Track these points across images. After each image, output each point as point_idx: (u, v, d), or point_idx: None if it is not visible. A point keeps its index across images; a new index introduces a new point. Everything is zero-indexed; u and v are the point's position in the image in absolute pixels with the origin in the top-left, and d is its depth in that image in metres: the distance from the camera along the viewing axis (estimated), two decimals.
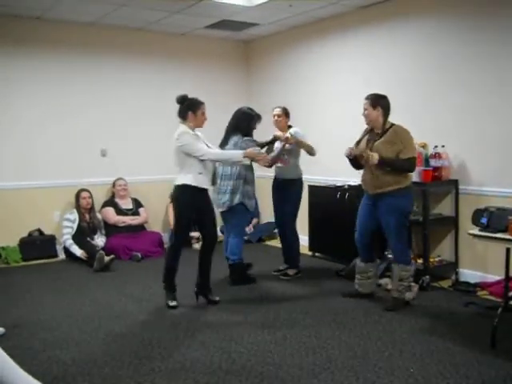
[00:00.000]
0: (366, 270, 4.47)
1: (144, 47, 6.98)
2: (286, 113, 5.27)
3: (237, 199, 4.95)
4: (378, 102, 4.19)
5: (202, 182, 4.28)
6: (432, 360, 3.25)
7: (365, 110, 4.25)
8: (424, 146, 5.05)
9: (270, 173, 5.44)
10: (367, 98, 4.26)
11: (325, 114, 6.50)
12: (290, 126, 5.28)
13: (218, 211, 5.02)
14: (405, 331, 3.73)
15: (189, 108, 4.29)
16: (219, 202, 5.02)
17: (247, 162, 4.51)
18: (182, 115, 4.33)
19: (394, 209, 4.15)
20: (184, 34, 7.20)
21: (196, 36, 7.26)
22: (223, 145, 5.01)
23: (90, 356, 3.38)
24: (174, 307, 4.29)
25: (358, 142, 4.41)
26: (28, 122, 6.27)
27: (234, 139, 4.92)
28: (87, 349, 3.50)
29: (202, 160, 4.22)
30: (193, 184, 4.23)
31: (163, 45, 7.12)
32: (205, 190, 4.34)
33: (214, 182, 4.58)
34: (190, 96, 4.36)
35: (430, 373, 3.07)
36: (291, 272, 5.28)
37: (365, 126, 5.97)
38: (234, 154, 4.43)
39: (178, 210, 4.34)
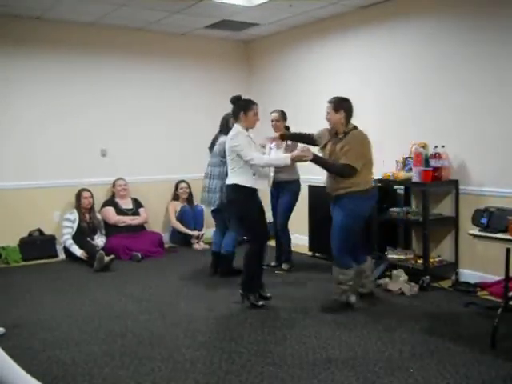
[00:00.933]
0: (361, 270, 4.40)
1: (144, 47, 6.98)
2: (283, 116, 5.41)
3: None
4: (341, 106, 4.21)
5: (255, 183, 4.29)
6: (432, 360, 3.25)
7: (327, 113, 4.25)
8: (424, 146, 5.05)
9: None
10: (330, 102, 4.28)
11: (325, 114, 6.47)
12: (287, 128, 5.34)
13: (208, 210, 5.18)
14: (405, 331, 3.73)
15: (240, 109, 4.33)
16: (210, 200, 5.15)
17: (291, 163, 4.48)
18: (235, 115, 4.39)
19: (344, 209, 4.14)
20: (184, 34, 7.20)
21: (196, 36, 7.26)
22: (211, 148, 5.25)
23: (90, 356, 3.38)
24: (262, 306, 4.30)
25: (325, 146, 4.37)
26: (28, 122, 6.27)
27: (220, 139, 5.06)
28: (87, 349, 3.50)
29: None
30: (247, 185, 4.26)
31: (163, 45, 7.12)
32: (257, 191, 4.38)
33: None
34: (243, 96, 4.44)
35: (430, 373, 3.07)
36: (286, 267, 5.50)
37: (366, 126, 5.99)
38: (281, 159, 4.49)
39: (242, 210, 4.36)
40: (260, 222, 4.39)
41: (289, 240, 5.55)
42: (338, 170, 4.12)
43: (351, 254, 4.28)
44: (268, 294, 4.48)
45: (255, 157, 4.22)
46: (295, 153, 4.34)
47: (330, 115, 4.25)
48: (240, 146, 4.20)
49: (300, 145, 4.68)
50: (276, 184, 5.39)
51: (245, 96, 4.48)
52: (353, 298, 4.23)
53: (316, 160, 4.18)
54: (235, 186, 4.27)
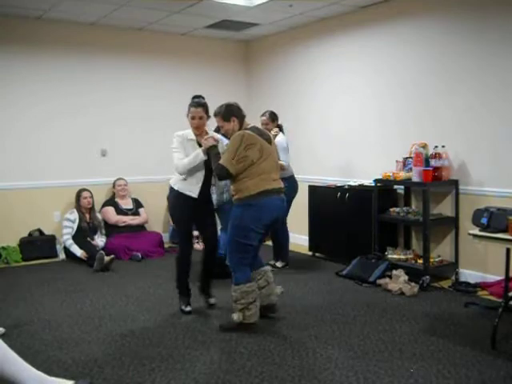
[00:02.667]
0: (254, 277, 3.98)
1: (144, 47, 6.98)
2: (272, 118, 5.40)
3: (224, 198, 5.09)
4: (231, 113, 3.82)
5: (183, 187, 4.10)
6: (432, 360, 3.24)
7: (221, 127, 3.91)
8: (424, 146, 5.04)
9: None
10: (216, 115, 3.89)
11: (325, 114, 6.50)
12: (279, 126, 5.41)
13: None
14: (405, 331, 3.73)
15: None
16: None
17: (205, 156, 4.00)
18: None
19: (231, 218, 3.81)
20: (184, 34, 7.20)
21: (196, 36, 7.27)
22: None
23: (90, 356, 3.38)
24: (188, 312, 4.16)
25: None
26: (28, 122, 6.28)
27: None
28: (87, 349, 3.50)
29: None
30: (174, 187, 4.15)
31: (163, 45, 7.12)
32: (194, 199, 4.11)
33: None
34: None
35: (430, 373, 3.07)
36: (280, 265, 5.50)
37: (366, 126, 6.00)
38: (196, 155, 3.98)
39: (171, 211, 4.33)
40: (184, 227, 4.20)
41: (287, 237, 5.54)
42: (215, 169, 3.83)
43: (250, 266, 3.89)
44: (212, 301, 4.36)
45: (176, 164, 4.03)
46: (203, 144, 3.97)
47: (225, 127, 3.86)
48: (173, 148, 4.09)
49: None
50: None
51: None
52: (252, 318, 3.73)
53: (210, 150, 3.87)
54: (170, 187, 4.21)
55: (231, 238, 3.79)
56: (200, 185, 4.10)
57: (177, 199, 4.16)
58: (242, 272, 3.77)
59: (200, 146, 4.05)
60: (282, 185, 3.89)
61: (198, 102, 4.15)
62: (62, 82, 6.46)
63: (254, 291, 3.76)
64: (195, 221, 4.30)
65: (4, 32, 6.08)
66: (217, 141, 4.01)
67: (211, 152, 3.90)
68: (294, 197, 5.45)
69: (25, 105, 6.26)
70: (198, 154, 3.95)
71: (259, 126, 5.26)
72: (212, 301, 4.39)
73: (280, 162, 4.88)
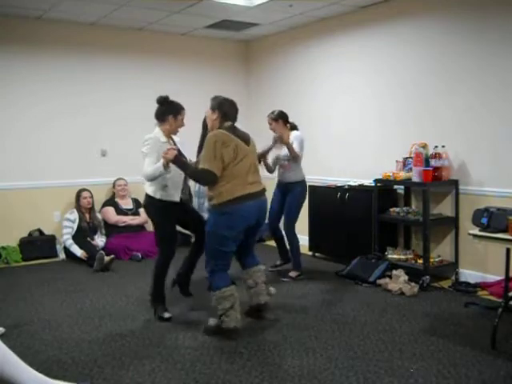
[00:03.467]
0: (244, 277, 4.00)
1: (144, 47, 6.98)
2: (279, 117, 5.14)
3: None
4: (217, 106, 3.77)
5: (166, 194, 3.99)
6: (432, 360, 3.25)
7: (207, 114, 3.89)
8: (424, 146, 5.05)
9: (273, 176, 5.40)
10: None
11: (325, 114, 6.50)
12: (293, 127, 5.24)
13: None
14: (405, 331, 3.73)
15: (169, 111, 4.11)
16: (199, 205, 5.12)
17: (167, 169, 3.77)
18: (161, 117, 4.11)
19: (207, 224, 3.73)
20: (184, 34, 7.20)
21: (196, 36, 7.27)
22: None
23: (90, 356, 3.38)
24: (169, 319, 4.01)
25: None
26: (28, 122, 6.27)
27: None
28: (87, 349, 3.50)
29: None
30: (156, 196, 3.98)
31: (163, 45, 7.12)
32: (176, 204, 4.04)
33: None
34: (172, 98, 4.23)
35: (430, 373, 3.07)
36: (294, 274, 5.24)
37: (366, 126, 6.00)
38: (157, 167, 3.79)
39: (154, 221, 4.12)
40: (170, 232, 4.05)
41: (297, 244, 5.27)
42: (193, 175, 3.73)
43: (239, 260, 3.97)
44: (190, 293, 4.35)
45: (145, 168, 3.85)
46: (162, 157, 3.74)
47: (207, 116, 3.85)
48: (146, 153, 3.91)
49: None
50: (281, 185, 5.28)
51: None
52: (231, 323, 3.61)
53: (176, 161, 3.67)
54: (147, 196, 4.04)
55: (207, 244, 3.72)
56: (181, 189, 4.07)
57: (159, 207, 3.99)
58: (218, 278, 3.69)
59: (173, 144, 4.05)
60: (260, 187, 3.76)
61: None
62: (62, 82, 6.46)
63: (232, 295, 3.63)
64: (179, 221, 4.23)
65: (4, 32, 6.08)
66: (176, 147, 3.88)
67: (177, 162, 3.69)
68: (303, 202, 5.29)
69: (25, 105, 6.26)
70: (159, 168, 3.75)
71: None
72: (191, 291, 4.39)
73: (295, 150, 4.95)
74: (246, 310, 4.00)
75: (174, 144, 4.12)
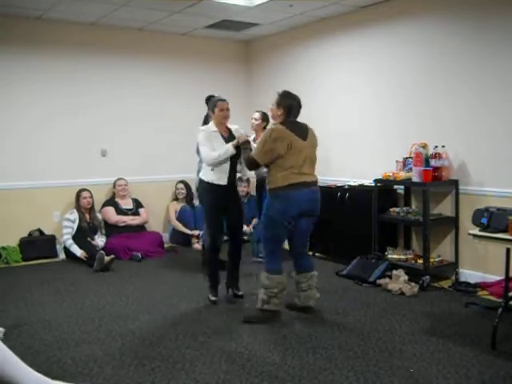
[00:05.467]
0: (297, 280, 4.15)
1: (144, 47, 6.98)
2: (263, 118, 5.58)
3: None
4: (282, 102, 4.09)
5: (213, 178, 4.35)
6: (432, 360, 3.25)
7: (271, 109, 4.18)
8: (424, 146, 5.05)
9: None
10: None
11: (325, 115, 6.49)
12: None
13: None
14: (405, 331, 3.73)
15: (209, 107, 4.55)
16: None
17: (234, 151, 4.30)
18: (208, 113, 4.67)
19: (264, 207, 4.03)
20: (184, 34, 7.20)
21: (196, 36, 7.27)
22: None
23: (90, 356, 3.38)
24: (214, 302, 4.41)
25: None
26: (28, 122, 6.27)
27: None
28: (87, 349, 3.50)
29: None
30: (205, 179, 4.39)
31: (163, 45, 7.12)
32: (224, 187, 4.35)
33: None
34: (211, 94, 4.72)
35: (430, 373, 3.07)
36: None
37: (366, 126, 6.00)
38: (226, 150, 4.25)
39: (201, 203, 4.60)
40: (215, 216, 4.41)
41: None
42: (245, 159, 4.14)
43: (294, 258, 4.15)
44: (240, 293, 4.57)
45: (204, 155, 4.33)
46: (235, 140, 4.27)
47: (271, 111, 4.17)
48: (199, 142, 4.40)
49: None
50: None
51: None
52: (274, 307, 3.91)
53: (243, 147, 4.21)
54: (199, 180, 4.50)
55: (263, 226, 4.02)
56: (228, 173, 4.34)
57: (207, 190, 4.38)
58: (272, 262, 3.95)
59: (223, 136, 4.39)
60: (314, 178, 3.99)
61: (223, 98, 4.50)
62: (62, 81, 6.46)
63: (280, 283, 3.91)
64: (226, 212, 4.47)
65: (4, 32, 6.08)
66: (248, 138, 4.30)
67: (242, 146, 4.21)
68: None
69: (25, 105, 6.25)
70: (228, 150, 4.23)
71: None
72: (240, 293, 4.56)
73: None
74: (287, 304, 4.20)
75: (230, 132, 4.49)
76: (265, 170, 4.69)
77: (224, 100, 4.45)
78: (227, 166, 4.34)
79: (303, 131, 3.98)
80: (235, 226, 4.51)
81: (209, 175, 4.36)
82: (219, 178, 4.33)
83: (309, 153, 3.94)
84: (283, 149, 3.80)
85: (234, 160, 4.36)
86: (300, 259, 4.15)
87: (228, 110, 4.46)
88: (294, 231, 4.01)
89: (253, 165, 4.01)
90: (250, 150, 4.17)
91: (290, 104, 4.02)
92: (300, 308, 4.15)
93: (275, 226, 3.89)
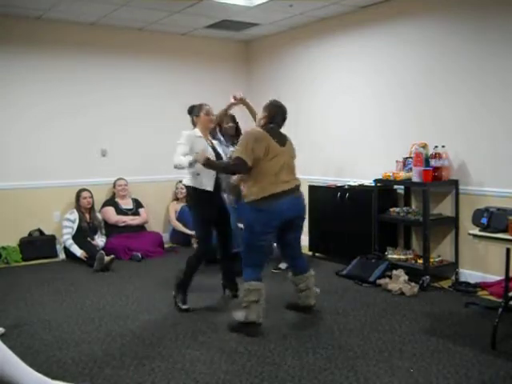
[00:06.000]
0: (295, 281, 4.17)
1: (144, 47, 6.98)
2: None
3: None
4: (267, 108, 4.03)
5: (198, 183, 4.26)
6: (432, 360, 3.25)
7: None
8: (424, 146, 5.05)
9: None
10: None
11: (325, 114, 6.50)
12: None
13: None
14: (405, 331, 3.73)
15: (193, 114, 4.52)
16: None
17: (193, 166, 4.12)
18: (193, 122, 4.56)
19: (244, 220, 3.98)
20: (184, 34, 7.20)
21: (196, 36, 7.27)
22: None
23: (90, 356, 3.38)
24: (186, 310, 4.23)
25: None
26: (28, 122, 6.27)
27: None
28: (87, 349, 3.50)
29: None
30: (191, 185, 4.31)
31: (163, 45, 7.12)
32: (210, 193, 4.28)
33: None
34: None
35: (430, 373, 3.07)
36: (283, 266, 5.41)
37: (366, 126, 6.00)
38: (184, 161, 4.13)
39: (191, 210, 4.49)
40: (205, 223, 4.29)
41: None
42: (225, 168, 4.06)
43: (289, 261, 4.20)
44: (238, 293, 4.40)
45: (175, 156, 4.19)
46: (193, 158, 4.07)
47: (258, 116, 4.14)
48: (178, 142, 4.28)
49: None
50: None
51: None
52: (252, 316, 3.74)
53: (206, 164, 3.96)
54: (186, 186, 4.39)
55: (244, 237, 3.93)
56: (214, 178, 4.28)
57: (193, 196, 4.32)
58: (251, 270, 3.83)
59: (207, 142, 4.38)
60: (293, 184, 3.90)
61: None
62: (62, 81, 6.45)
63: (259, 291, 3.78)
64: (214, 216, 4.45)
65: (4, 32, 6.08)
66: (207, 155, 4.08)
67: (207, 165, 3.97)
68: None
69: (25, 105, 6.25)
70: (184, 161, 4.10)
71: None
72: (238, 293, 4.43)
73: None
74: (287, 305, 4.29)
75: (212, 140, 4.52)
76: (234, 178, 4.72)
77: (208, 105, 4.46)
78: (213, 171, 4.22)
79: (282, 138, 3.95)
80: (223, 230, 4.49)
81: (193, 180, 4.28)
82: (205, 183, 4.25)
83: (287, 160, 3.89)
84: (261, 151, 3.73)
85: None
86: (294, 261, 4.16)
87: (213, 115, 4.47)
88: (284, 239, 4.01)
89: (241, 164, 3.76)
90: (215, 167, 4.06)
91: (274, 111, 3.99)
92: (301, 307, 4.17)
93: (257, 237, 3.79)
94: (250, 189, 3.80)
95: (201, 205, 4.28)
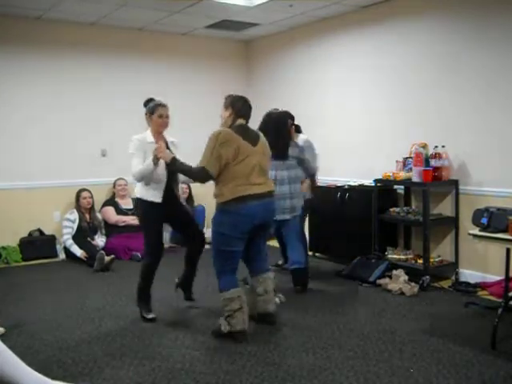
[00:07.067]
0: (252, 286, 3.95)
1: (144, 47, 6.98)
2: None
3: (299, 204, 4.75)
4: (230, 103, 3.74)
5: (146, 194, 3.97)
6: (432, 360, 3.24)
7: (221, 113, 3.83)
8: (424, 146, 5.04)
9: None
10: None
11: (325, 114, 6.50)
12: (296, 128, 5.16)
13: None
14: (405, 331, 3.73)
15: (147, 111, 4.12)
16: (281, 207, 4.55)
17: (156, 165, 3.87)
18: (146, 119, 4.14)
19: (212, 223, 3.69)
20: (184, 34, 7.20)
21: (196, 36, 7.27)
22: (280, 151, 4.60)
23: (90, 356, 3.38)
24: (153, 319, 4.03)
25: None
26: (28, 122, 6.27)
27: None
28: (87, 349, 3.50)
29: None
30: (140, 196, 4.01)
31: (163, 45, 7.12)
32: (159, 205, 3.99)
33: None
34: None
35: (430, 373, 3.07)
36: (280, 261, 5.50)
37: (366, 126, 6.00)
38: (146, 165, 3.86)
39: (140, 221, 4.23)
40: (154, 234, 4.04)
41: (305, 243, 5.03)
42: (188, 173, 3.72)
43: (248, 263, 3.90)
44: (194, 297, 4.41)
45: (132, 168, 3.91)
46: (153, 156, 3.81)
47: (221, 115, 3.81)
48: (130, 153, 3.99)
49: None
50: None
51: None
52: (239, 326, 3.56)
53: (173, 163, 3.74)
54: (136, 198, 4.12)
55: (213, 244, 3.67)
56: (163, 188, 3.97)
57: (142, 207, 4.03)
58: (226, 278, 3.65)
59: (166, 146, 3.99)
60: (267, 189, 3.67)
61: (164, 102, 4.12)
62: (62, 81, 6.45)
63: (239, 297, 3.60)
64: (171, 225, 4.36)
65: (4, 32, 6.08)
66: (166, 143, 3.94)
67: (171, 163, 3.75)
68: (306, 214, 5.24)
69: (25, 105, 6.25)
70: (148, 165, 3.83)
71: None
72: (194, 296, 4.44)
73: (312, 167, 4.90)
74: (249, 315, 3.81)
75: (167, 144, 4.08)
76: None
77: (165, 105, 4.07)
78: (163, 179, 3.95)
79: (253, 137, 3.68)
80: (192, 232, 4.22)
81: (142, 191, 3.97)
82: (153, 194, 3.95)
83: (259, 160, 3.63)
84: (230, 155, 3.49)
85: (170, 175, 3.98)
86: (253, 262, 3.91)
87: (168, 117, 4.07)
88: (251, 241, 3.75)
89: (204, 176, 3.57)
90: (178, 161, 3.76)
91: (239, 105, 3.72)
92: (261, 316, 3.87)
93: (227, 242, 3.57)
94: (220, 190, 3.56)
95: (148, 217, 4.00)
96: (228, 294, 3.60)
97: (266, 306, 3.87)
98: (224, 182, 3.55)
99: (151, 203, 3.96)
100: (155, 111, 4.04)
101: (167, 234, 6.98)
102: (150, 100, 4.16)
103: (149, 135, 4.06)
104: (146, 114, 4.11)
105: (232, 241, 3.58)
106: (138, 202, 4.07)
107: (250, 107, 3.80)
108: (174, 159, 3.76)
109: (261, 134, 3.81)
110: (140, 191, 4.01)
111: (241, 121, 3.71)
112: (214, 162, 3.50)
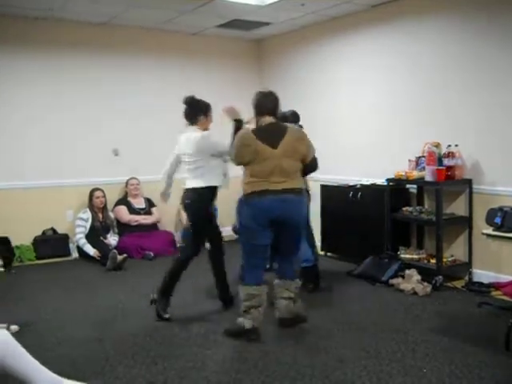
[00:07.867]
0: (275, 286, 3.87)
1: (155, 47, 6.99)
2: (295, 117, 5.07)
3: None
4: (254, 108, 3.85)
5: (222, 180, 4.25)
6: (445, 360, 3.22)
7: None
8: (437, 145, 5.01)
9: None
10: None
11: (337, 114, 6.47)
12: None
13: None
14: (418, 331, 3.71)
15: (201, 110, 4.28)
16: None
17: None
18: (193, 117, 4.26)
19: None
20: (195, 34, 7.21)
21: (207, 35, 7.27)
22: None
23: (102, 355, 3.40)
24: (168, 319, 4.03)
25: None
26: (27, 122, 6.27)
27: None
28: (100, 347, 3.52)
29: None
30: (212, 184, 4.15)
31: (174, 44, 7.13)
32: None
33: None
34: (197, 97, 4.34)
35: (443, 373, 3.05)
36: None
37: (379, 125, 5.97)
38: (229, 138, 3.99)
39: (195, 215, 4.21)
40: (202, 227, 4.21)
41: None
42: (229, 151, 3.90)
43: (277, 263, 3.94)
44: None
45: (229, 149, 3.94)
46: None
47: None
48: (214, 141, 4.09)
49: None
50: None
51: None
52: (247, 324, 3.60)
53: (240, 122, 3.98)
54: (202, 188, 4.13)
55: (239, 237, 3.89)
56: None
57: (201, 197, 4.14)
58: (251, 273, 3.70)
59: None
60: (288, 186, 3.62)
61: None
62: (63, 81, 6.45)
63: (260, 296, 3.63)
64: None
65: (4, 32, 6.09)
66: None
67: (238, 121, 3.98)
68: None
69: (25, 105, 6.24)
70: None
71: None
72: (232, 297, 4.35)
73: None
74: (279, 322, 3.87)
75: None
76: None
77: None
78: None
79: (275, 138, 3.62)
80: (214, 236, 4.39)
81: (213, 180, 4.16)
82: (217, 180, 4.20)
83: (277, 163, 3.57)
84: (248, 156, 3.61)
85: None
86: (279, 263, 3.92)
87: None
88: (277, 240, 3.75)
89: (232, 157, 3.82)
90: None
91: (260, 102, 3.78)
92: (293, 319, 3.83)
93: (251, 235, 3.64)
94: (243, 185, 3.69)
95: (203, 208, 4.16)
96: (251, 289, 3.64)
97: (285, 310, 3.82)
98: (247, 177, 3.68)
99: (210, 189, 4.13)
100: (210, 111, 4.30)
101: (179, 232, 7.02)
102: (193, 98, 4.34)
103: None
104: (199, 113, 4.27)
105: (252, 233, 3.63)
106: (198, 191, 4.12)
107: (271, 101, 3.83)
108: (240, 120, 3.96)
109: (288, 131, 3.69)
110: (214, 179, 4.14)
111: (267, 118, 3.72)
112: (239, 158, 3.70)
